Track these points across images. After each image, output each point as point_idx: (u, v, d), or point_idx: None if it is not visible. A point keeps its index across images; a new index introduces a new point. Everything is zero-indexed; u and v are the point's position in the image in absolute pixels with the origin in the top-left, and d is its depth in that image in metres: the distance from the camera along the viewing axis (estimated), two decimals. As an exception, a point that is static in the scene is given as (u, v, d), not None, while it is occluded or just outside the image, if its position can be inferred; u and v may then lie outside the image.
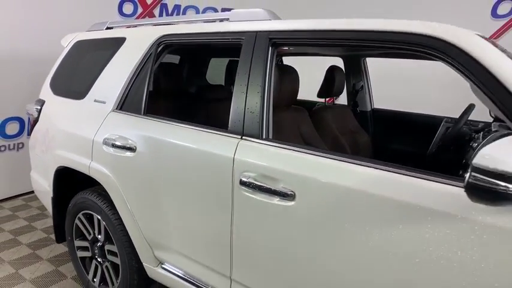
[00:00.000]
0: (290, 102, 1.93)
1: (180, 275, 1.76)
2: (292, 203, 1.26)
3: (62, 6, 3.83)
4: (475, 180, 0.80)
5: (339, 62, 2.60)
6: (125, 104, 1.95)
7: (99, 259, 2.18)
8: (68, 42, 2.46)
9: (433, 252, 0.99)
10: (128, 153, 1.80)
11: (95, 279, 2.24)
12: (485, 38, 1.16)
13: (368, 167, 1.14)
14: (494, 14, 4.32)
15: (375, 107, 2.72)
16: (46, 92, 2.46)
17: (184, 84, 3.13)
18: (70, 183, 2.25)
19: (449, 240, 0.97)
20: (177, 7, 4.98)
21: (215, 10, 5.19)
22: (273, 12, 1.62)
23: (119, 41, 2.08)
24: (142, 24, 2.18)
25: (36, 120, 2.45)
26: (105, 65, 2.09)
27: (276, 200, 1.30)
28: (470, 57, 1.05)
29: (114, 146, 1.86)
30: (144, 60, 1.91)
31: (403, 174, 1.08)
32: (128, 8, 4.63)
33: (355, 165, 1.17)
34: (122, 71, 1.98)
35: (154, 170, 1.70)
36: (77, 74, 2.28)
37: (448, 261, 0.97)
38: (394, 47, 1.21)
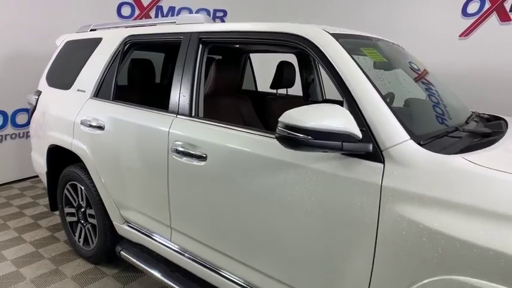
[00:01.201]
0: (232, 91, 2.32)
1: (138, 229, 2.19)
2: (204, 163, 1.66)
3: (65, 9, 4.30)
4: (280, 132, 1.17)
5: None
6: (100, 92, 2.38)
7: (82, 222, 2.63)
8: (60, 42, 2.92)
9: (286, 191, 1.37)
10: (99, 131, 2.23)
11: (80, 240, 2.69)
12: (336, 34, 1.50)
13: (250, 133, 1.53)
14: (464, 12, 4.56)
15: (326, 97, 3.06)
16: (42, 84, 2.93)
17: (162, 76, 3.57)
18: (60, 159, 2.70)
19: (292, 181, 1.34)
20: (171, 9, 5.42)
21: (207, 11, 5.61)
22: (208, 17, 2.01)
23: (97, 41, 2.52)
24: (118, 27, 2.61)
25: (34, 108, 2.93)
26: (86, 61, 2.53)
27: (195, 162, 1.70)
28: (319, 50, 1.41)
29: (89, 125, 2.30)
30: (114, 56, 2.34)
31: (267, 136, 1.46)
32: (126, 10, 5.10)
33: (244, 132, 1.55)
34: (97, 65, 2.42)
35: (116, 144, 2.12)
36: (66, 69, 2.73)
37: (292, 196, 1.35)
38: (277, 44, 1.58)
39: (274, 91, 2.86)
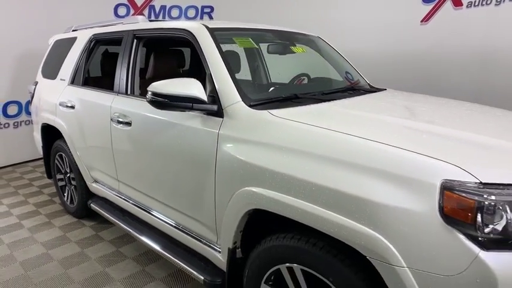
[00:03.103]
0: (170, 75, 2.88)
1: (101, 185, 2.82)
2: (130, 127, 2.24)
3: (66, 10, 4.98)
4: (149, 97, 1.71)
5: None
6: (74, 80, 3.02)
7: (68, 185, 3.31)
8: (51, 41, 3.60)
9: (172, 143, 1.92)
10: (71, 110, 2.87)
11: (67, 200, 3.38)
12: (213, 28, 2.01)
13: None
14: (424, -2, 4.86)
15: (272, 81, 3.56)
16: (39, 76, 3.62)
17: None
18: (51, 135, 3.38)
19: (175, 135, 1.89)
20: (163, 7, 6.03)
21: (196, 8, 6.17)
22: (144, 18, 2.58)
23: (74, 40, 3.15)
24: (92, 27, 3.23)
25: (33, 96, 3.63)
26: (66, 56, 3.17)
27: (125, 127, 2.28)
28: (196, 40, 1.94)
29: (65, 106, 2.95)
30: (83, 51, 2.96)
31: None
32: (122, 10, 5.75)
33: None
34: (73, 59, 3.06)
35: (82, 118, 2.75)
36: (54, 63, 3.40)
37: (175, 146, 1.89)
38: (175, 36, 2.12)
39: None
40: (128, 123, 2.25)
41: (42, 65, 3.64)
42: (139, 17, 2.60)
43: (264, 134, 1.56)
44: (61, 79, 3.17)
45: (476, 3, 4.24)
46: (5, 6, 4.53)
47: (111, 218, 2.69)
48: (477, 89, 4.26)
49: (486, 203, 1.05)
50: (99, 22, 3.06)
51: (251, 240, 1.70)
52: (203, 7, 6.18)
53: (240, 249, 1.74)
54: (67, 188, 3.36)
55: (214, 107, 1.75)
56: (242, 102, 1.71)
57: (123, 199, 2.57)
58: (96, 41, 2.94)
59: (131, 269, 2.52)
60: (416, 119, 1.71)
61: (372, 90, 2.46)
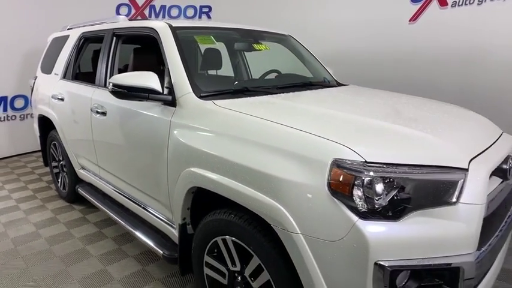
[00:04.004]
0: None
1: (87, 171, 3.07)
2: (105, 117, 2.47)
3: (68, 9, 5.29)
4: (110, 88, 1.93)
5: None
6: (66, 75, 3.28)
7: (61, 172, 3.58)
8: (50, 38, 3.88)
9: (136, 129, 2.14)
10: (61, 102, 3.13)
11: (60, 186, 3.66)
12: (176, 27, 2.21)
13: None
14: (412, -3, 4.95)
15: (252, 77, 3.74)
16: (38, 71, 3.91)
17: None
18: (46, 126, 3.66)
19: (138, 122, 2.10)
20: (163, 7, 6.27)
21: (194, 8, 6.40)
22: (125, 17, 2.81)
23: (67, 37, 3.42)
24: (84, 26, 3.48)
25: (32, 89, 3.92)
26: (60, 52, 3.44)
27: (101, 117, 2.51)
28: (159, 37, 2.15)
29: (56, 98, 3.21)
30: (74, 49, 3.22)
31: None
32: (124, 10, 6.03)
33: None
34: (65, 55, 3.32)
35: (69, 109, 3.01)
36: (50, 59, 3.67)
37: (139, 132, 2.11)
38: (143, 33, 2.33)
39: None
40: (104, 113, 2.48)
41: (41, 61, 3.92)
42: (121, 17, 2.83)
43: (204, 121, 1.75)
44: (55, 74, 3.44)
45: (460, 3, 4.31)
46: (15, 7, 4.86)
47: (94, 201, 2.93)
48: (460, 86, 4.35)
49: (363, 178, 1.22)
50: (89, 21, 3.30)
51: (201, 217, 1.90)
52: (201, 7, 6.41)
53: (190, 225, 1.94)
54: (60, 174, 3.63)
55: (169, 98, 1.95)
56: (193, 93, 1.91)
57: (103, 183, 2.81)
58: (85, 39, 3.19)
59: (109, 247, 2.76)
60: (342, 108, 1.86)
61: (332, 85, 2.63)
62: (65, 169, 3.49)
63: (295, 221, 1.30)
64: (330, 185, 1.25)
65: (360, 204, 1.22)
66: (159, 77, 1.94)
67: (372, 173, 1.22)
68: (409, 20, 4.98)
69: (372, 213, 1.22)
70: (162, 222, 2.14)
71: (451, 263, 1.22)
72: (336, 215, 1.24)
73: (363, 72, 5.44)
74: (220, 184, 1.56)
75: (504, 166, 1.54)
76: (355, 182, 1.22)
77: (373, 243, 1.18)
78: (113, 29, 2.69)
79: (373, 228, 1.19)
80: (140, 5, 6.12)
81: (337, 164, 1.26)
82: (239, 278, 1.67)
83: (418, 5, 4.88)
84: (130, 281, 2.34)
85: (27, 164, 4.90)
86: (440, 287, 1.25)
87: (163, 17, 6.19)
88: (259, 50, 2.64)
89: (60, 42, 3.56)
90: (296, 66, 3.07)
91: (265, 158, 1.42)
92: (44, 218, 3.27)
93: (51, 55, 3.71)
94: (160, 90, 1.93)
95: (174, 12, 6.31)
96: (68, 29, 3.66)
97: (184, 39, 2.18)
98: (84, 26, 3.42)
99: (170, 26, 2.20)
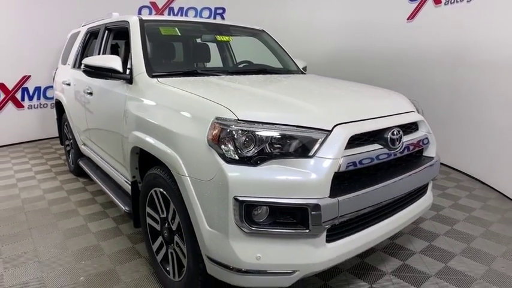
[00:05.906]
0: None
1: (86, 146, 3.58)
2: (92, 96, 2.94)
3: (96, 10, 5.94)
4: (82, 68, 2.36)
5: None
6: (75, 64, 3.83)
7: (71, 149, 4.16)
8: (69, 34, 4.50)
9: (108, 104, 2.57)
10: (69, 87, 3.68)
11: (69, 160, 4.23)
12: (144, 20, 2.61)
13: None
14: (410, -4, 5.05)
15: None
16: (59, 63, 4.54)
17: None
18: (61, 109, 4.25)
19: (110, 98, 2.53)
20: (181, 9, 6.80)
21: (210, 9, 6.86)
22: (117, 14, 3.27)
23: (78, 33, 3.98)
24: (92, 23, 4.03)
25: (54, 78, 4.55)
26: (73, 46, 4.01)
27: (90, 96, 2.99)
28: (129, 29, 2.57)
29: (66, 84, 3.77)
30: (82, 42, 3.77)
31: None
32: (145, 12, 6.62)
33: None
34: (75, 48, 3.88)
35: (73, 92, 3.54)
36: (67, 51, 4.27)
37: (110, 107, 2.53)
38: (120, 27, 2.76)
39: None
40: (91, 93, 2.96)
41: (62, 53, 4.55)
42: (115, 14, 3.30)
43: (147, 95, 2.14)
44: (68, 64, 4.02)
45: (452, 1, 4.37)
46: (48, 10, 5.60)
47: (88, 171, 3.43)
48: (452, 80, 4.40)
49: (229, 130, 1.52)
50: (97, 19, 3.83)
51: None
52: (216, 8, 6.86)
53: (141, 183, 2.33)
54: (70, 151, 4.21)
55: (128, 77, 2.36)
56: (145, 73, 2.30)
57: (94, 154, 3.29)
58: (90, 34, 3.72)
59: (95, 209, 3.23)
60: (262, 87, 2.17)
61: (291, 72, 2.92)
62: (73, 146, 4.05)
63: (185, 166, 1.64)
64: (208, 136, 1.57)
65: (226, 151, 1.52)
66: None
67: (236, 127, 1.53)
68: (407, 19, 5.07)
69: (236, 159, 1.52)
70: (124, 182, 2.55)
71: (300, 204, 1.48)
72: (210, 160, 1.55)
73: (363, 71, 5.59)
74: (147, 142, 1.93)
75: (385, 136, 1.76)
76: (223, 134, 1.53)
77: (232, 182, 1.48)
78: (105, 23, 3.17)
79: (234, 170, 1.50)
80: (160, 7, 6.69)
81: (216, 121, 1.58)
82: (166, 223, 2.03)
83: (414, 4, 4.97)
84: (103, 234, 2.77)
85: (52, 146, 5.60)
86: (296, 226, 1.52)
87: (181, 18, 6.71)
88: (222, 41, 2.98)
89: (74, 37, 4.14)
90: (268, 58, 3.39)
91: (175, 119, 1.77)
92: (52, 186, 3.84)
93: (68, 48, 4.31)
94: (121, 70, 2.34)
95: (191, 13, 6.82)
96: (82, 26, 4.24)
97: (150, 30, 2.58)
98: (92, 23, 3.97)
99: (140, 20, 2.62)
